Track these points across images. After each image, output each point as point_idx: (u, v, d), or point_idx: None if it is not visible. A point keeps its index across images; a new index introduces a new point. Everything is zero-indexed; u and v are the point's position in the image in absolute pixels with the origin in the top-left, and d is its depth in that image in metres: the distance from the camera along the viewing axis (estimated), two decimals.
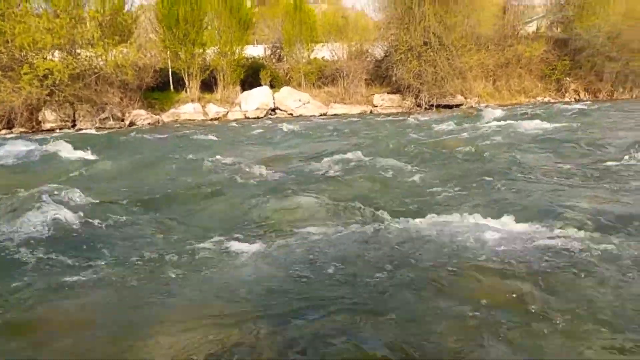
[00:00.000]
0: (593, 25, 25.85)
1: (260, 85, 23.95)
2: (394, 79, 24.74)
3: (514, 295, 1.94)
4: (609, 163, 4.59)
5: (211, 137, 10.90)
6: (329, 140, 9.42)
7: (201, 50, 22.65)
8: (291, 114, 23.26)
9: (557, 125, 8.72)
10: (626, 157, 4.83)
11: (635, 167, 4.34)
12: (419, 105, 24.49)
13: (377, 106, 25.04)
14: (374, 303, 1.93)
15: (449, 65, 24.11)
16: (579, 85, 28.13)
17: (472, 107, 24.53)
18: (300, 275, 2.38)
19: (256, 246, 2.79)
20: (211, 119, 21.64)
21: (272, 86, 24.44)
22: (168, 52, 22.32)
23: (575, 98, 27.50)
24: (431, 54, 24.07)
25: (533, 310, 1.77)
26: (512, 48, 27.37)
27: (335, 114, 23.49)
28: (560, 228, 2.50)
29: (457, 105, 24.88)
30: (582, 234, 2.51)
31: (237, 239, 2.94)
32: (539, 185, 3.61)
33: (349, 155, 6.07)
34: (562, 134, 7.63)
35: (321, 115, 23.31)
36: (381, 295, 1.96)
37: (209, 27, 23.03)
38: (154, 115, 20.66)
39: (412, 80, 23.90)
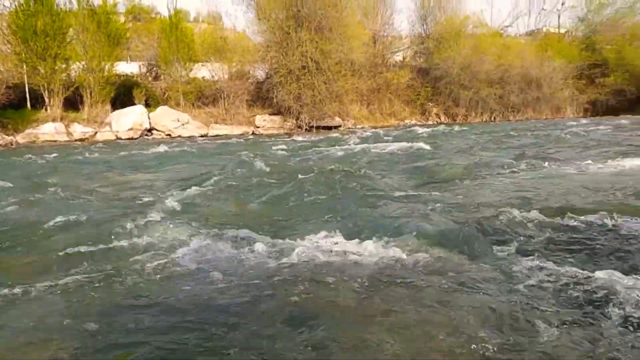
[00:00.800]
0: (448, 57, 29.21)
1: (134, 104, 22.63)
2: (275, 100, 25.18)
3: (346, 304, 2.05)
4: (449, 181, 5.14)
5: (64, 160, 9.94)
6: (203, 162, 9.20)
7: (64, 66, 20.75)
8: (169, 135, 22.32)
9: (416, 144, 9.57)
10: (464, 176, 5.46)
11: (471, 184, 4.93)
12: (299, 127, 25.19)
13: (259, 127, 25.20)
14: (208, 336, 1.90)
15: (326, 89, 25.25)
16: (440, 110, 31.45)
17: (349, 128, 25.95)
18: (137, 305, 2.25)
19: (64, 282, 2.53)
20: (77, 140, 19.81)
21: (147, 105, 23.25)
22: (25, 67, 20.06)
23: (437, 121, 30.62)
24: (309, 77, 25.02)
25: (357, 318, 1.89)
26: (382, 75, 29.72)
27: (216, 135, 23.09)
28: (396, 245, 2.72)
29: (336, 127, 26.11)
30: (419, 248, 2.75)
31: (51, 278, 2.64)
32: (384, 204, 3.91)
33: (218, 177, 5.99)
34: (419, 153, 8.36)
35: (202, 136, 22.74)
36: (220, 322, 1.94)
37: (74, 41, 21.25)
38: (6, 137, 18.31)
39: (292, 103, 24.55)
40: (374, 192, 4.78)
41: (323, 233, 2.87)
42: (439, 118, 31.18)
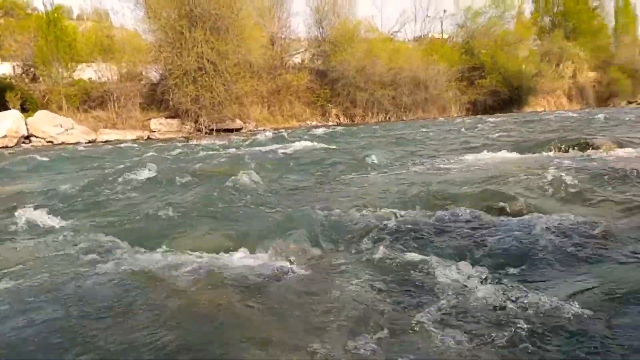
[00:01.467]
0: (344, 59, 30.29)
1: (7, 108, 20.34)
2: (171, 103, 24.19)
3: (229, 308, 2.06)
4: (336, 179, 5.35)
5: None
6: (83, 169, 8.57)
7: None
8: (51, 142, 20.38)
9: (313, 144, 9.81)
10: (351, 174, 5.72)
11: (355, 182, 5.17)
12: (199, 130, 24.47)
13: (155, 131, 24.02)
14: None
15: (225, 91, 24.83)
16: (339, 111, 32.49)
17: (250, 130, 25.77)
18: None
19: None
20: None
21: (24, 110, 21.03)
22: None
23: (337, 121, 31.61)
24: (207, 79, 24.42)
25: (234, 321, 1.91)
26: (282, 77, 29.96)
27: (106, 141, 21.57)
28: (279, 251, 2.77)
29: (237, 129, 25.78)
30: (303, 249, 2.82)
31: None
32: (272, 205, 3.97)
33: (97, 186, 5.62)
34: (314, 153, 8.57)
35: (89, 142, 21.08)
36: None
37: None
38: None
39: (189, 105, 23.77)
40: (264, 193, 4.82)
41: (199, 239, 2.84)
42: (339, 119, 32.21)
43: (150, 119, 24.38)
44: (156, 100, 25.31)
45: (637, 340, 1.49)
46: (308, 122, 30.59)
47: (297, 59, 33.54)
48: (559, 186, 3.96)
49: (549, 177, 4.47)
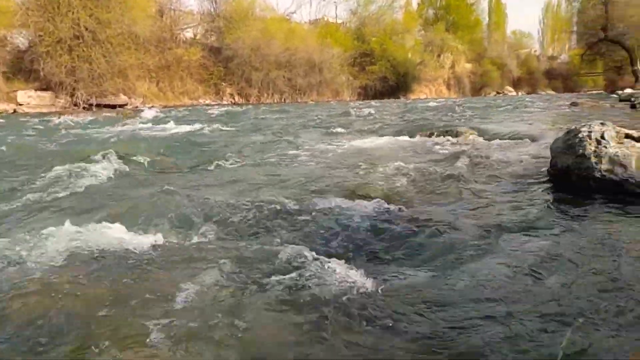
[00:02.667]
0: (238, 37, 29.60)
1: None
2: (42, 73, 21.73)
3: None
4: (219, 161, 5.31)
5: None
6: None
7: None
8: None
9: (202, 125, 9.53)
10: (237, 157, 5.72)
11: (238, 166, 5.18)
12: (76, 105, 22.37)
13: (22, 104, 21.43)
14: None
15: (106, 63, 22.93)
16: (234, 90, 31.80)
17: (136, 107, 24.12)
18: None
19: None
20: None
21: None
22: None
23: (231, 101, 30.94)
24: (85, 49, 22.32)
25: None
26: (172, 51, 28.39)
27: None
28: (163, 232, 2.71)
29: (122, 105, 23.99)
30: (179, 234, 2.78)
31: None
32: (152, 188, 3.84)
33: None
34: (203, 134, 8.36)
35: None
36: None
37: None
38: None
39: (64, 77, 21.59)
40: (142, 177, 4.63)
41: (54, 225, 2.68)
42: (233, 98, 31.56)
43: (17, 90, 21.67)
44: (24, 69, 22.53)
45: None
46: (201, 100, 29.51)
47: (188, 34, 32.01)
48: (420, 173, 4.37)
49: (417, 163, 4.92)
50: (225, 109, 18.69)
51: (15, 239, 2.54)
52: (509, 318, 1.70)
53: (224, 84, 31.33)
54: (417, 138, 7.52)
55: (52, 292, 1.97)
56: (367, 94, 37.79)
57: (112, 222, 2.72)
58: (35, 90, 22.21)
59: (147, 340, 1.62)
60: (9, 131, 9.69)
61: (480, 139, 7.31)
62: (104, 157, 4.84)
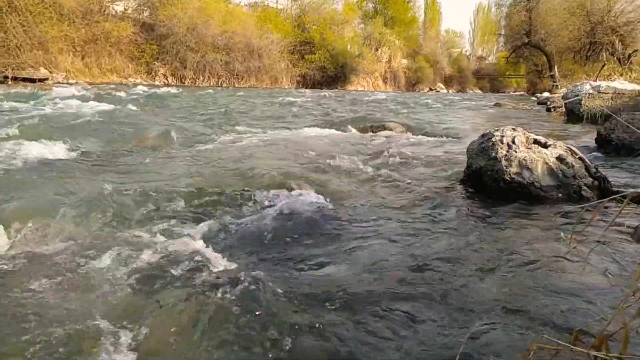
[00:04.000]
0: (174, 15, 28.34)
1: None
2: None
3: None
4: (141, 149, 5.10)
5: None
6: None
7: None
8: None
9: (126, 106, 9.05)
10: (161, 145, 5.51)
11: (161, 154, 5.01)
12: None
13: None
14: None
15: (24, 33, 21.10)
16: (167, 70, 30.46)
17: (58, 82, 22.44)
18: None
19: None
20: None
21: None
22: None
23: (164, 82, 29.63)
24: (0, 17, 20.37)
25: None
26: (99, 25, 26.60)
27: None
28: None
29: (42, 80, 22.21)
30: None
31: None
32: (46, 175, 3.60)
33: None
34: (126, 115, 7.93)
35: None
36: None
37: None
38: None
39: None
40: (54, 163, 4.33)
41: None
42: (167, 79, 30.26)
43: None
44: None
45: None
46: (131, 79, 28.00)
47: (119, 7, 30.10)
48: (347, 167, 4.46)
49: (341, 157, 4.99)
50: (158, 90, 17.87)
51: None
52: (393, 312, 1.79)
53: (156, 63, 29.93)
54: (351, 132, 7.67)
55: None
56: (305, 82, 37.81)
57: (17, 217, 2.53)
58: None
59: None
60: None
61: (409, 136, 7.59)
62: (11, 140, 4.47)
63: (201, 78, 31.21)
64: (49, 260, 2.14)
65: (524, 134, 3.96)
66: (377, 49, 45.93)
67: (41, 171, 3.81)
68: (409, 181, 3.87)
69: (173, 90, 17.93)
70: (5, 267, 2.06)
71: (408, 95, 27.02)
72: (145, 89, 17.52)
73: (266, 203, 3.18)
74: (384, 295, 1.91)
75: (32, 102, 9.61)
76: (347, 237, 2.58)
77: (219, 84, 31.71)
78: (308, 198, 3.31)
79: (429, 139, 7.22)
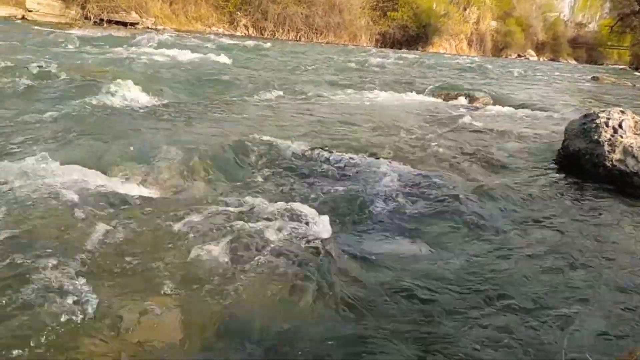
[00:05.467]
0: None
1: None
2: None
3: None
4: (233, 103, 5.26)
5: None
6: None
7: None
8: None
9: (217, 57, 9.28)
10: (254, 95, 5.66)
11: (256, 106, 5.14)
12: (86, 18, 21.71)
13: (32, 11, 20.78)
14: None
15: None
16: (248, 21, 30.71)
17: (147, 27, 23.44)
18: None
19: None
20: None
21: None
22: None
23: (245, 33, 29.97)
24: None
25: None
26: None
27: None
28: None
29: (133, 24, 23.31)
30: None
31: None
32: (150, 124, 3.82)
33: None
34: (218, 67, 8.19)
35: None
36: None
37: None
38: None
39: None
40: (145, 109, 4.59)
41: (67, 153, 2.70)
42: (247, 30, 30.55)
43: None
44: None
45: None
46: (214, 28, 28.59)
47: None
48: (431, 138, 4.35)
49: (424, 128, 4.87)
50: (241, 41, 18.13)
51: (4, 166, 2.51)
52: (493, 302, 1.77)
53: (239, 13, 30.23)
54: (433, 98, 7.40)
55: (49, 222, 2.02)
56: (385, 41, 36.58)
57: (115, 162, 2.73)
58: None
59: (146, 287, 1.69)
60: (25, 41, 9.44)
61: (496, 107, 7.19)
62: (115, 83, 4.77)
63: (280, 31, 31.17)
64: (156, 204, 2.32)
65: (633, 118, 3.62)
66: (465, 9, 43.14)
67: (141, 117, 4.07)
68: (499, 159, 3.71)
69: (256, 42, 18.10)
70: (121, 205, 2.25)
71: (494, 61, 25.40)
72: (230, 41, 17.81)
73: (360, 168, 3.17)
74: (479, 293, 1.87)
75: (127, 47, 10.17)
76: (441, 217, 2.53)
77: (298, 37, 31.52)
78: (390, 167, 3.28)
79: (518, 112, 6.80)
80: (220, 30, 28.36)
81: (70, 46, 9.34)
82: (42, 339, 1.36)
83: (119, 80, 4.83)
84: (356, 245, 2.13)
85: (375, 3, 35.73)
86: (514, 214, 2.66)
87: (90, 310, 1.49)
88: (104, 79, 5.01)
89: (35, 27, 15.09)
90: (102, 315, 1.49)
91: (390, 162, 3.40)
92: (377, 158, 3.46)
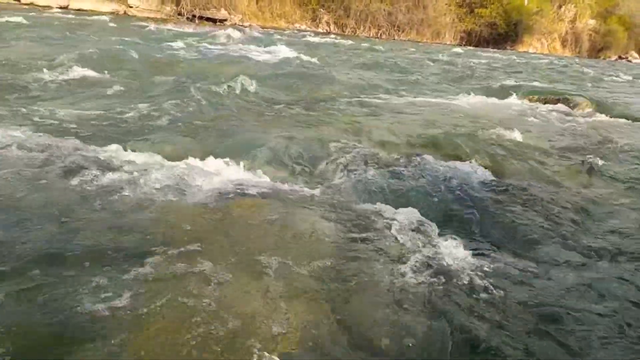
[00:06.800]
0: None
1: None
2: None
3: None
4: (321, 101, 5.27)
5: None
6: (62, 41, 8.06)
7: None
8: (18, 0, 18.81)
9: (304, 56, 9.38)
10: (340, 97, 5.63)
11: (343, 107, 5.12)
12: (180, 14, 23.02)
13: (132, 7, 22.43)
14: None
15: None
16: (330, 18, 30.90)
17: (235, 24, 24.35)
18: None
19: None
20: None
21: None
22: None
23: (327, 29, 30.20)
24: None
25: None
26: None
27: (79, 9, 20.05)
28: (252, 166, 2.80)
29: (222, 21, 24.33)
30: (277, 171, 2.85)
31: None
32: (247, 121, 3.92)
33: (74, 65, 5.35)
34: (306, 66, 8.27)
35: (61, 8, 19.55)
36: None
37: None
38: None
39: None
40: (246, 105, 4.73)
41: (170, 148, 2.84)
42: (329, 27, 30.75)
43: None
44: None
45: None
46: (297, 24, 29.10)
47: None
48: (528, 143, 4.06)
49: (520, 133, 4.55)
50: (324, 38, 18.26)
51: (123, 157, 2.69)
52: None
53: (322, 10, 30.50)
54: (529, 102, 6.93)
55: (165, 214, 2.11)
56: (470, 39, 35.14)
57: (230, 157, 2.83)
58: None
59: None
60: (131, 36, 10.14)
61: (600, 116, 6.59)
62: (217, 79, 4.96)
63: (362, 28, 31.04)
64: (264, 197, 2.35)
65: None
66: (560, 6, 40.24)
67: (245, 113, 4.19)
68: (607, 176, 3.35)
69: (340, 40, 18.14)
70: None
71: (593, 64, 23.46)
72: (314, 38, 17.96)
73: (454, 175, 3.03)
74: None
75: (221, 43, 10.60)
76: (552, 235, 2.33)
77: (379, 35, 31.20)
78: (497, 178, 3.08)
79: (625, 122, 6.17)
80: (303, 27, 28.82)
81: (171, 41, 9.90)
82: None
83: (218, 78, 5.03)
84: (481, 263, 2.01)
85: (462, 0, 34.43)
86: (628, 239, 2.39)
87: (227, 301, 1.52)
88: (207, 75, 5.22)
89: (138, 23, 16.22)
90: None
91: (493, 173, 3.21)
92: (483, 167, 3.28)
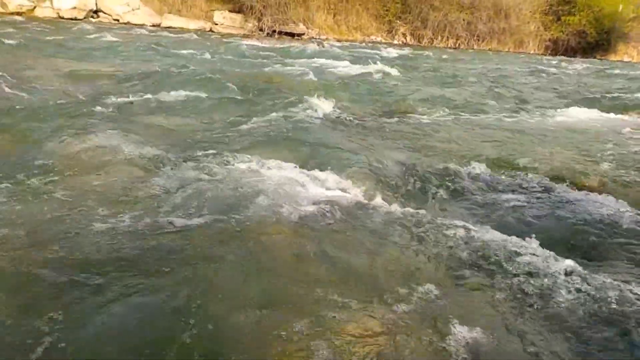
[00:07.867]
0: None
1: None
2: None
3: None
4: (404, 114, 5.17)
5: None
6: (160, 58, 8.67)
7: None
8: (117, 20, 20.53)
9: (381, 67, 9.34)
10: (422, 111, 5.51)
11: (426, 121, 5.00)
12: (261, 30, 23.90)
13: (217, 24, 23.65)
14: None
15: None
16: (407, 30, 30.59)
17: (312, 37, 24.87)
18: None
19: None
20: (12, 13, 17.81)
21: None
22: None
23: (403, 41, 29.93)
24: None
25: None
26: None
27: (169, 26, 21.49)
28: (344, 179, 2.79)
29: (299, 35, 24.97)
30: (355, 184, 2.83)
31: None
32: (332, 134, 3.92)
33: (173, 79, 5.70)
34: (384, 78, 8.23)
35: (153, 25, 21.07)
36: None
37: None
38: None
39: (255, 2, 23.02)
40: (328, 119, 4.75)
41: (260, 157, 2.91)
42: (405, 38, 30.46)
43: (214, 10, 23.88)
44: None
45: None
46: (373, 37, 29.13)
47: None
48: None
49: (632, 149, 4.18)
50: (400, 51, 18.09)
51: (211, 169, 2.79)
52: None
53: (398, 22, 30.29)
54: (637, 118, 6.34)
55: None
56: (556, 48, 33.14)
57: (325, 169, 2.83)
58: (229, 11, 24.19)
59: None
60: (217, 51, 10.70)
61: None
62: (299, 95, 5.05)
63: (439, 38, 30.38)
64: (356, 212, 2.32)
65: None
66: None
67: (328, 128, 4.20)
68: None
69: (418, 51, 17.90)
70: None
71: None
72: (393, 50, 17.86)
73: (559, 198, 2.83)
74: None
75: (302, 58, 10.83)
76: None
77: (457, 45, 30.36)
78: (611, 204, 2.82)
79: None
80: (379, 39, 28.79)
81: (256, 57, 10.30)
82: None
83: (303, 92, 5.12)
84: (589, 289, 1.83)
85: (548, 7, 32.64)
86: None
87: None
88: (290, 89, 5.33)
89: (221, 39, 17.08)
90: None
91: (604, 196, 2.94)
92: (588, 190, 3.02)
